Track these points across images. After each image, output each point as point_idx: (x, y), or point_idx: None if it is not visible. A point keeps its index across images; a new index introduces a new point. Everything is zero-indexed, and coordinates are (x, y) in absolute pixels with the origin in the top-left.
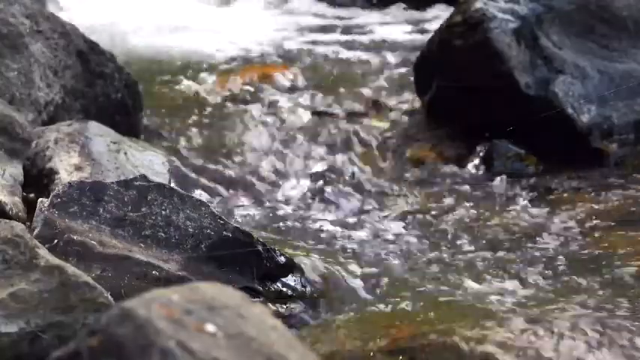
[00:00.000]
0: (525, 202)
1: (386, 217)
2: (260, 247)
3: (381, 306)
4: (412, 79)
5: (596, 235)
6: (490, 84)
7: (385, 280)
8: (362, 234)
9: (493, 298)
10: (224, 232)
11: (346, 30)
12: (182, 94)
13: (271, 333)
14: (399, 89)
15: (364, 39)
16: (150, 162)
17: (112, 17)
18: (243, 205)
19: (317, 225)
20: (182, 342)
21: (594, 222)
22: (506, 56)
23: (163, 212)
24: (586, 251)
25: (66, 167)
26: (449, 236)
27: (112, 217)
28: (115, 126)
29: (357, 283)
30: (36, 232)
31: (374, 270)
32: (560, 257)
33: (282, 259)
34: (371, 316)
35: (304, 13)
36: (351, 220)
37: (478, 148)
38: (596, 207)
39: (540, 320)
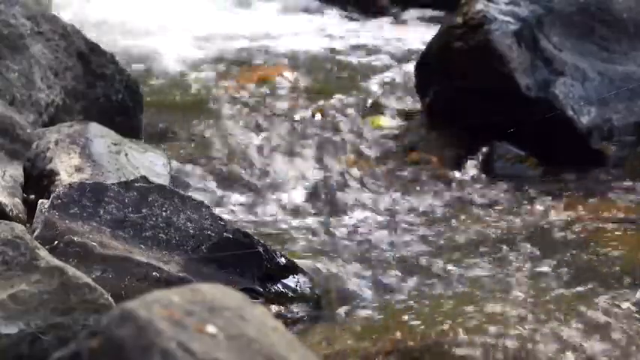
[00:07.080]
0: (525, 203)
1: (386, 218)
2: (260, 249)
3: (382, 307)
4: (413, 80)
5: (597, 236)
6: (490, 86)
7: (385, 281)
8: (362, 235)
9: (494, 300)
10: (225, 234)
11: (347, 32)
12: (183, 96)
13: (272, 334)
14: (400, 91)
15: (365, 41)
16: (150, 163)
17: (115, 18)
18: (243, 207)
19: (317, 226)
20: (183, 343)
21: (594, 223)
22: (507, 58)
23: (164, 213)
24: (587, 252)
25: (66, 168)
26: (449, 238)
27: (112, 218)
28: (115, 127)
29: (358, 284)
30: (36, 233)
31: (374, 271)
32: (561, 258)
33: (283, 260)
34: (371, 317)
35: (306, 16)
36: (351, 221)
37: (478, 150)
38: (596, 208)
39: (542, 322)
